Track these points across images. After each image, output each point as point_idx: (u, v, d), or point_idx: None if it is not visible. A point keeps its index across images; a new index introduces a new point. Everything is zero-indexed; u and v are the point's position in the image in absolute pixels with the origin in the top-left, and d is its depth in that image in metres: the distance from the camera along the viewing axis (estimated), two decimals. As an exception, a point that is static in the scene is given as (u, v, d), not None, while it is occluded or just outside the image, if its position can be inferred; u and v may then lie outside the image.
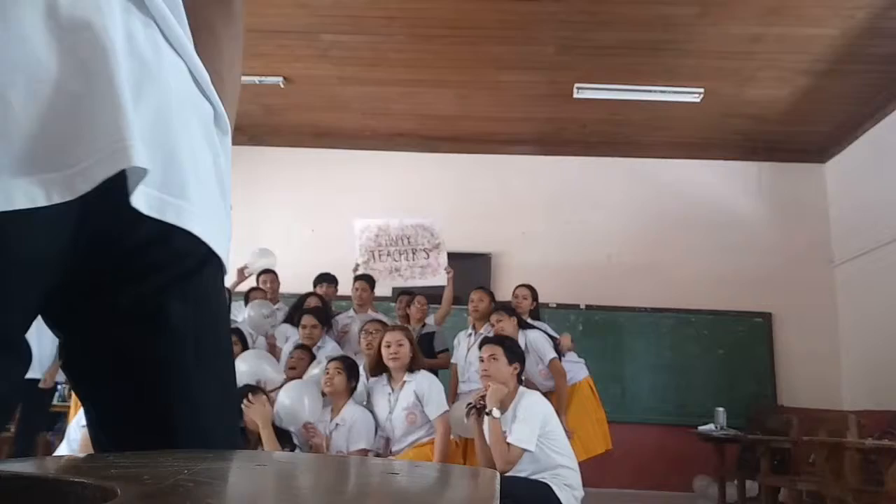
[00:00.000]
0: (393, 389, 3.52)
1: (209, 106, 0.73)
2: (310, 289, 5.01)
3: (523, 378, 4.10)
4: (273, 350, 4.50)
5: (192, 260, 0.69)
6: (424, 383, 3.44)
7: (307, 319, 4.32)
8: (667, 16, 4.84)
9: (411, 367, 3.50)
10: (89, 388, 0.70)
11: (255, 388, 3.46)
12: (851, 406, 5.89)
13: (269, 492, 0.40)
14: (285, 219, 6.81)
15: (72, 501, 0.34)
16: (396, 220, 5.01)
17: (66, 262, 0.61)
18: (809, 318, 6.60)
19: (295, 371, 4.05)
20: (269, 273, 5.15)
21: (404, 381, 3.48)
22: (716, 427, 5.61)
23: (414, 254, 4.92)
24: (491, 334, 4.07)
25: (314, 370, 3.94)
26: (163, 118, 0.64)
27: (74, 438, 3.44)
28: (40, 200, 0.54)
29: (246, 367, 3.88)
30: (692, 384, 6.48)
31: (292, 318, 4.68)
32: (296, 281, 5.30)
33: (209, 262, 0.70)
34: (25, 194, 0.54)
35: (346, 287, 5.09)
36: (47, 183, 0.55)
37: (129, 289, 0.65)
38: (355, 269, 4.96)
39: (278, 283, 5.15)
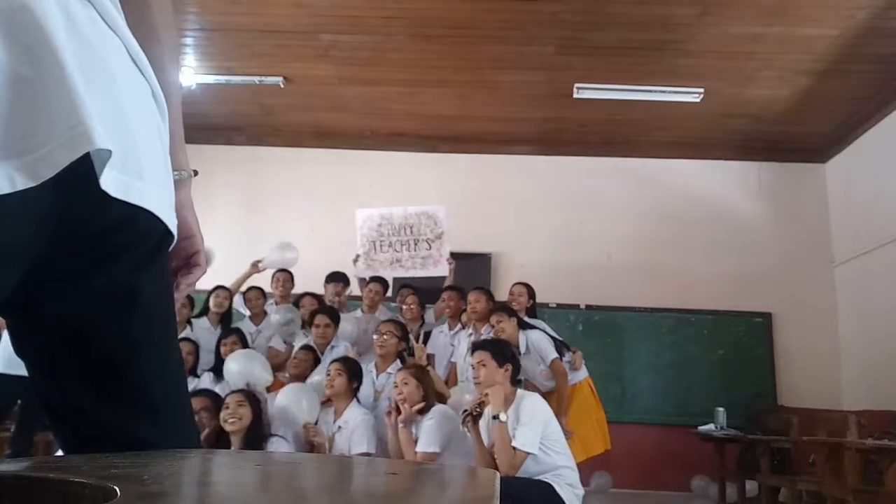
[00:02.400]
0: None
1: (147, 85, 0.73)
2: (310, 289, 4.98)
3: (523, 379, 4.10)
4: (276, 357, 4.41)
5: (155, 240, 0.70)
6: (426, 424, 3.29)
7: (320, 319, 4.25)
8: (667, 16, 4.84)
9: (425, 408, 3.33)
10: (53, 375, 0.69)
11: (246, 392, 3.43)
12: (851, 406, 5.89)
13: (269, 492, 0.40)
14: (285, 219, 6.80)
15: (72, 501, 0.34)
16: (400, 208, 4.93)
17: (36, 248, 0.61)
18: (809, 318, 6.60)
19: (297, 370, 4.03)
20: (284, 272, 4.99)
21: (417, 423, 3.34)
22: (716, 427, 5.61)
23: (416, 244, 4.84)
24: (492, 335, 4.06)
25: (316, 376, 3.92)
26: (113, 99, 0.64)
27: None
28: (5, 187, 0.54)
29: (237, 368, 3.86)
30: (692, 384, 6.48)
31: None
32: (296, 281, 5.27)
33: (166, 240, 0.72)
34: None
35: (354, 285, 5.05)
36: (10, 169, 0.54)
37: (101, 271, 0.66)
38: (356, 260, 4.88)
39: (292, 285, 5.00)
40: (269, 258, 5.08)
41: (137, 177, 0.66)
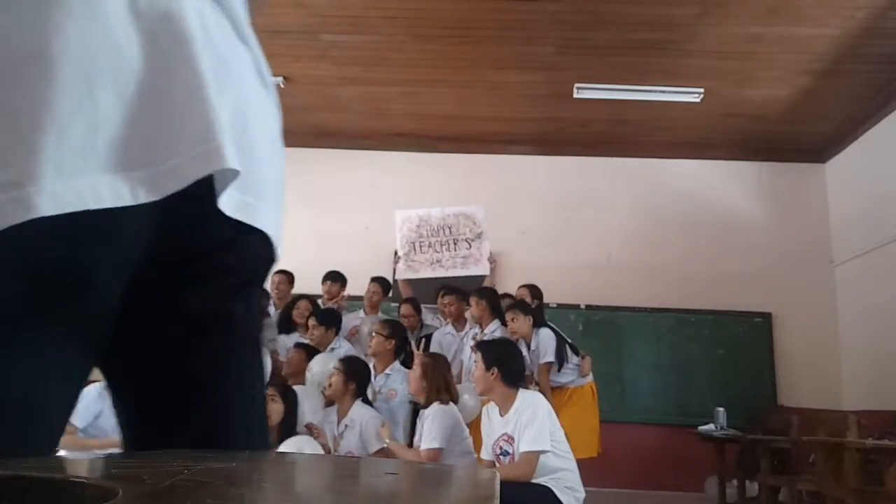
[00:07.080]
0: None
1: (272, 101, 0.70)
2: (310, 289, 4.97)
3: (532, 373, 4.07)
4: (276, 363, 4.33)
5: (259, 265, 0.67)
6: (425, 422, 3.34)
7: (311, 321, 4.29)
8: (667, 16, 4.84)
9: (428, 401, 3.37)
10: (131, 386, 0.66)
11: (278, 385, 3.41)
12: (851, 406, 5.88)
13: (269, 492, 0.40)
14: (285, 219, 6.79)
15: (72, 501, 0.34)
16: (438, 209, 4.94)
17: (142, 260, 0.58)
18: (809, 318, 6.60)
19: (296, 368, 4.02)
20: (281, 274, 4.90)
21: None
22: (716, 427, 5.60)
23: (455, 244, 4.82)
24: (498, 333, 4.08)
25: (315, 367, 3.92)
26: (241, 114, 0.61)
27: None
28: (127, 199, 0.52)
29: None
30: (692, 384, 6.47)
31: (285, 325, 4.58)
32: (296, 281, 5.27)
33: (271, 265, 0.69)
34: (113, 192, 0.52)
35: (354, 285, 5.05)
36: (134, 181, 0.52)
37: (198, 291, 0.63)
38: (396, 261, 4.91)
39: (289, 287, 4.94)
40: None
41: (256, 196, 0.63)
